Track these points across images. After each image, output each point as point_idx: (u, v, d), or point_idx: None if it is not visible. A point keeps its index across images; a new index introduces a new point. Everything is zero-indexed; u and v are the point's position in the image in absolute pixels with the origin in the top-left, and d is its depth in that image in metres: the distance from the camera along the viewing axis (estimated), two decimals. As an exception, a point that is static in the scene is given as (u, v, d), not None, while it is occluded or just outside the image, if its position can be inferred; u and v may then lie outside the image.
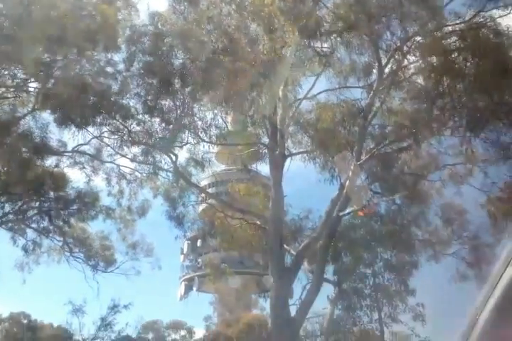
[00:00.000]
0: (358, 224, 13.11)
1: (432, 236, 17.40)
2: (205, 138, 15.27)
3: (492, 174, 13.38)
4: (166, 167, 17.42)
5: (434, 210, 17.25)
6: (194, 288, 41.93)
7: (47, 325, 29.30)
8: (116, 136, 16.86)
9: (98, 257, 22.30)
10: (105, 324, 19.43)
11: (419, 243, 16.85)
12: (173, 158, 15.85)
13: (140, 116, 15.11)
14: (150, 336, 44.62)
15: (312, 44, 12.44)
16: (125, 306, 19.98)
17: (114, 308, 19.81)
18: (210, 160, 19.52)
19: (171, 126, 14.54)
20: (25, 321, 30.16)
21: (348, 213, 14.74)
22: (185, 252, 37.12)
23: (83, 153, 18.42)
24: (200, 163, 19.25)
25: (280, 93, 15.34)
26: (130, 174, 20.01)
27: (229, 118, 15.64)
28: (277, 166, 15.21)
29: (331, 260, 13.15)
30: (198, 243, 33.27)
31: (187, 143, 16.03)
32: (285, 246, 16.29)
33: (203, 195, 19.37)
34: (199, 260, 40.34)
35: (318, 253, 13.65)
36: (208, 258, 33.51)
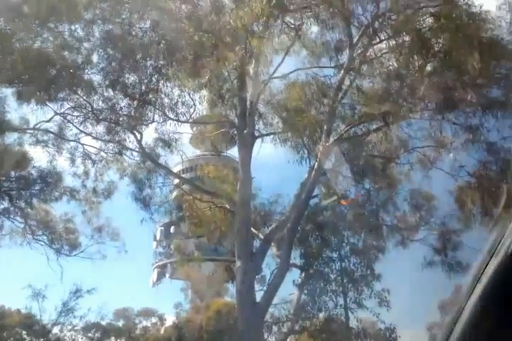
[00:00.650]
0: (326, 207, 12.79)
1: (400, 221, 17.29)
2: (171, 116, 14.70)
3: (461, 158, 13.20)
4: (132, 146, 16.96)
5: (402, 195, 17.20)
6: (167, 275, 41.47)
7: (10, 310, 28.40)
8: (80, 113, 16.26)
9: (62, 240, 21.63)
10: (67, 309, 18.76)
11: (387, 228, 16.73)
12: (138, 136, 15.29)
13: (104, 92, 14.47)
14: (121, 323, 44.15)
15: (283, 18, 11.97)
16: (88, 291, 19.34)
17: (76, 293, 19.16)
18: (177, 140, 19.11)
19: (135, 102, 13.91)
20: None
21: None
22: (158, 239, 36.67)
23: (45, 130, 17.63)
24: (167, 143, 18.81)
25: (251, 70, 14.91)
26: (95, 154, 19.42)
27: (196, 96, 15.09)
28: (245, 147, 14.77)
29: (298, 244, 12.82)
30: (172, 229, 32.92)
31: (153, 121, 15.50)
32: (254, 230, 16.04)
33: (171, 177, 18.83)
34: (172, 247, 39.95)
35: (285, 236, 13.34)
36: (180, 245, 33.25)
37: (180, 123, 15.58)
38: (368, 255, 12.93)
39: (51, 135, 18.60)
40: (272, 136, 17.18)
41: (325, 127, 13.26)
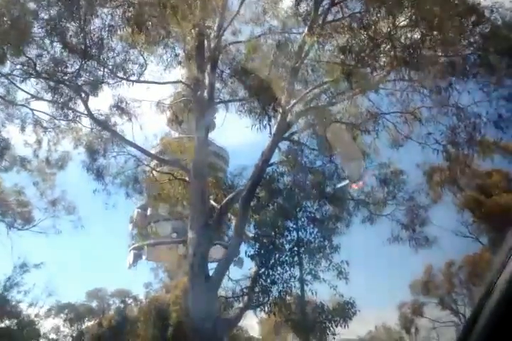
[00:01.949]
0: (283, 175, 11.91)
1: (367, 195, 16.60)
2: (120, 75, 13.54)
3: (429, 125, 12.39)
4: (81, 110, 15.77)
5: (370, 169, 16.46)
6: (143, 257, 40.89)
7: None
8: (24, 74, 14.95)
9: (14, 213, 20.48)
10: (11, 283, 17.66)
11: (353, 202, 16.01)
12: (84, 97, 14.09)
13: (46, 47, 13.21)
14: (94, 304, 43.41)
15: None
16: (36, 265, 18.26)
17: (22, 267, 18.05)
18: (135, 107, 17.97)
19: (79, 56, 12.71)
20: None
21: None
22: (134, 220, 36.02)
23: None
24: (124, 111, 17.65)
25: (210, 32, 13.84)
26: (47, 121, 18.16)
27: (148, 54, 13.89)
28: (201, 112, 13.73)
29: (252, 213, 11.94)
30: (148, 211, 32.12)
31: (102, 82, 14.27)
32: (214, 203, 15.16)
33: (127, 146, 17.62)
34: (148, 229, 39.43)
35: (239, 205, 12.46)
36: (157, 227, 32.40)
37: (131, 85, 14.39)
38: (327, 226, 12.11)
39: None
40: (236, 104, 16.40)
41: (285, 90, 12.28)
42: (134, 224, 38.25)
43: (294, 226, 11.59)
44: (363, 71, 11.27)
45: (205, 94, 14.60)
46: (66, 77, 14.18)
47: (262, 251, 11.64)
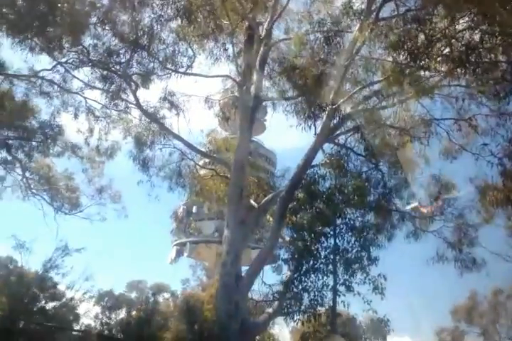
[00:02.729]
0: (326, 177, 11.39)
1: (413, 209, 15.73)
2: (169, 67, 13.50)
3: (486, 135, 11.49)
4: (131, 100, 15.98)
5: (420, 180, 15.60)
6: (185, 254, 41.43)
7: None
8: (78, 62, 15.27)
9: (62, 198, 21.06)
10: (51, 265, 18.12)
11: (397, 213, 15.22)
12: (134, 87, 14.18)
13: (99, 35, 13.40)
14: (133, 295, 44.17)
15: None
16: (77, 250, 18.64)
17: (64, 250, 18.49)
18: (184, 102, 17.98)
19: (130, 47, 12.77)
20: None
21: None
22: (179, 217, 36.63)
23: (41, 78, 16.64)
24: (170, 102, 17.66)
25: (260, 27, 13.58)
26: (99, 110, 18.49)
27: (197, 47, 13.79)
28: (245, 109, 13.45)
29: (290, 215, 11.51)
30: (194, 209, 32.47)
31: (152, 73, 14.33)
32: (254, 203, 14.88)
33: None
34: (192, 226, 40.01)
35: (277, 205, 12.07)
36: (200, 225, 32.66)
37: (179, 77, 14.32)
38: (367, 236, 11.46)
39: (54, 86, 17.85)
40: (284, 103, 16.03)
41: (333, 89, 11.78)
42: (179, 221, 38.98)
43: (332, 232, 11.03)
44: (417, 72, 10.61)
45: (252, 90, 14.39)
46: (118, 67, 14.35)
47: (297, 256, 11.16)
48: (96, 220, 21.17)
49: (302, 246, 10.99)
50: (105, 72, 15.14)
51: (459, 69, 9.47)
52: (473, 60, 9.34)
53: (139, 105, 14.86)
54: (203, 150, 17.12)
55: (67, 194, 21.07)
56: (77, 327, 23.08)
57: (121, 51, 14.18)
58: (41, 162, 20.39)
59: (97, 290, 23.21)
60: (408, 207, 14.68)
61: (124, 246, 49.11)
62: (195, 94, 17.86)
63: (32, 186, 20.53)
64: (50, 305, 21.46)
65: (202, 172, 18.47)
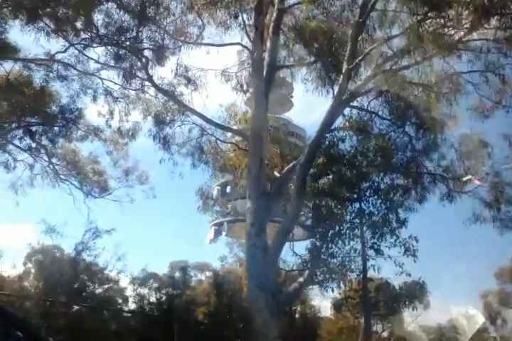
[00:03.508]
0: (343, 139, 10.87)
1: (446, 170, 15.07)
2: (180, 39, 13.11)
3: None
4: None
5: (449, 141, 14.88)
6: (223, 233, 41.95)
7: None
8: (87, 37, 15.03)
9: (90, 182, 21.26)
10: (82, 247, 18.31)
11: (429, 176, 14.61)
12: (144, 62, 13.89)
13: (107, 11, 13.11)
14: (176, 274, 44.83)
15: None
16: (107, 231, 18.77)
17: (95, 232, 18.65)
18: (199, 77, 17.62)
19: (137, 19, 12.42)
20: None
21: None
22: (214, 197, 36.81)
23: (57, 61, 16.52)
24: (186, 78, 17.34)
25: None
26: (116, 91, 18.36)
27: (206, 15, 13.32)
28: (259, 76, 12.97)
29: (311, 181, 11.10)
30: (228, 189, 32.54)
31: (164, 47, 13.98)
32: (277, 174, 14.57)
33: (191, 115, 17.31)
34: (229, 206, 40.29)
35: (297, 172, 11.69)
36: (236, 205, 32.65)
37: (191, 50, 13.93)
38: (394, 198, 10.93)
39: (70, 69, 17.76)
40: (303, 72, 15.45)
41: (348, 48, 11.15)
42: (215, 201, 39.15)
43: (355, 196, 10.57)
44: (438, 25, 9.88)
45: (266, 58, 13.89)
46: (128, 43, 14.06)
47: (320, 223, 10.79)
48: (125, 202, 21.21)
49: (325, 212, 10.56)
50: (117, 50, 14.94)
51: (483, 19, 8.68)
52: (498, 8, 8.54)
53: (151, 81, 14.60)
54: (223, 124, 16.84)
55: (95, 177, 21.22)
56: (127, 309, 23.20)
57: (130, 26, 13.88)
58: (66, 147, 20.52)
59: (140, 272, 23.06)
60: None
61: (155, 226, 49.48)
62: (212, 68, 17.63)
63: (60, 172, 20.70)
64: (99, 290, 21.44)
65: (223, 147, 18.26)
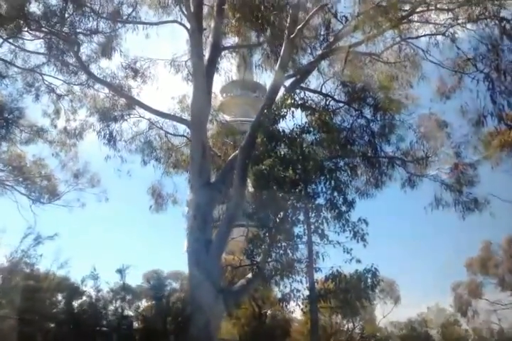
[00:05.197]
0: (284, 116, 9.84)
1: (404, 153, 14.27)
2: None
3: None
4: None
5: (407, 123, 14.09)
6: None
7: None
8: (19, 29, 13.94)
9: (37, 187, 19.96)
10: (20, 255, 16.88)
11: (386, 160, 13.80)
12: (75, 47, 12.84)
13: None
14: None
15: None
16: (49, 237, 17.39)
17: (36, 239, 17.24)
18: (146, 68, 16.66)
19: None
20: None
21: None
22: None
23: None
24: (133, 69, 16.38)
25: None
26: (59, 87, 17.24)
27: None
28: (199, 54, 12.03)
29: (252, 165, 10.07)
30: None
31: (96, 32, 12.98)
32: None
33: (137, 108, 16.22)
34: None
35: (238, 156, 10.70)
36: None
37: (126, 30, 12.95)
38: (341, 178, 9.96)
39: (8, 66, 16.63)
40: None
41: (289, 17, 10.29)
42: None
43: (298, 177, 9.57)
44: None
45: (211, 38, 13.00)
46: (57, 28, 13.02)
47: (260, 208, 9.76)
48: (76, 207, 19.92)
49: (266, 196, 9.53)
50: (49, 38, 13.91)
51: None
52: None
53: (83, 67, 13.52)
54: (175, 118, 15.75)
55: (43, 182, 19.93)
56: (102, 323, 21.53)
57: (59, 11, 12.86)
58: (11, 151, 19.26)
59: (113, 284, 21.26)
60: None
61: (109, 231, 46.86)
62: (161, 58, 16.69)
63: (4, 178, 19.38)
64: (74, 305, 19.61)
65: (175, 141, 17.22)
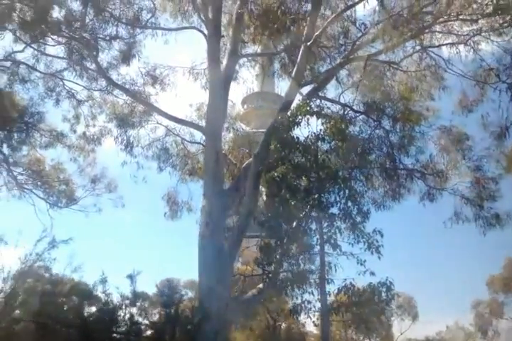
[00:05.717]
0: (299, 123, 9.66)
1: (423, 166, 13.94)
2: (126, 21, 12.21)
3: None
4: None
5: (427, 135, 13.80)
6: None
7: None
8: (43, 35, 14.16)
9: (55, 191, 20.11)
10: (35, 258, 16.78)
11: (405, 172, 13.49)
12: (94, 53, 12.94)
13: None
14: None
15: None
16: (64, 241, 17.27)
17: (51, 243, 17.15)
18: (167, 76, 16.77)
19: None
20: None
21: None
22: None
23: (14, 61, 15.61)
24: (153, 77, 16.49)
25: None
26: (79, 92, 17.44)
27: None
28: (216, 61, 12.01)
29: (266, 172, 9.91)
30: None
31: (116, 37, 13.09)
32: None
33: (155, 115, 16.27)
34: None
35: (252, 163, 10.56)
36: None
37: (145, 37, 13.02)
38: (355, 187, 9.72)
39: (31, 71, 16.91)
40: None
41: (307, 24, 10.19)
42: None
43: (311, 185, 9.37)
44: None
45: (229, 46, 12.99)
46: (78, 34, 13.16)
47: (273, 216, 9.56)
48: (92, 212, 19.93)
49: (278, 204, 9.33)
50: (71, 44, 14.09)
51: None
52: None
53: (102, 72, 13.61)
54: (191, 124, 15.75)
55: (60, 187, 20.03)
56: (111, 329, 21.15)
57: (79, 16, 13.02)
58: (31, 155, 19.47)
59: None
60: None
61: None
62: (180, 66, 16.79)
63: (23, 181, 19.55)
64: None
65: (192, 149, 17.18)
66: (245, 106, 52.45)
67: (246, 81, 15.54)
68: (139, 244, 48.11)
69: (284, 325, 23.89)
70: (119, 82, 15.63)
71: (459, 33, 10.49)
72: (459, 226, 13.80)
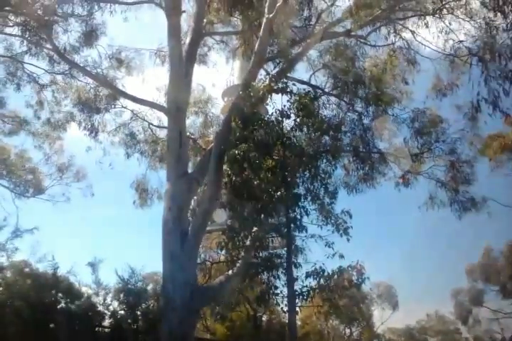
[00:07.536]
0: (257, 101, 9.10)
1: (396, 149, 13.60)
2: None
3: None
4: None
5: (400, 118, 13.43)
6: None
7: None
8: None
9: (21, 181, 19.28)
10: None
11: (378, 156, 13.11)
12: (50, 31, 12.22)
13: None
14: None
15: None
16: (29, 230, 16.51)
17: (14, 232, 16.36)
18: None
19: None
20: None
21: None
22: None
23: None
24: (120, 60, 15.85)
25: None
26: (40, 76, 16.62)
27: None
28: (176, 38, 11.35)
29: (227, 150, 9.35)
30: None
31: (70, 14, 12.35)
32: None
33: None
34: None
35: (214, 142, 10.02)
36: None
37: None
38: (321, 164, 9.21)
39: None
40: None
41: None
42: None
43: (276, 164, 8.86)
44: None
45: (192, 23, 12.40)
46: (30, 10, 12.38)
47: (235, 197, 9.04)
48: (60, 201, 19.22)
49: (240, 184, 8.80)
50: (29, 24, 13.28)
51: None
52: None
53: (59, 53, 12.90)
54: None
55: (27, 176, 19.26)
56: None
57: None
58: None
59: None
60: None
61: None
62: (145, 48, 16.17)
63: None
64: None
65: (161, 135, 16.50)
66: (225, 99, 51.91)
67: (216, 64, 14.80)
68: (107, 234, 47.25)
69: (265, 316, 23.49)
70: (81, 65, 14.97)
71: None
72: (438, 214, 13.57)
